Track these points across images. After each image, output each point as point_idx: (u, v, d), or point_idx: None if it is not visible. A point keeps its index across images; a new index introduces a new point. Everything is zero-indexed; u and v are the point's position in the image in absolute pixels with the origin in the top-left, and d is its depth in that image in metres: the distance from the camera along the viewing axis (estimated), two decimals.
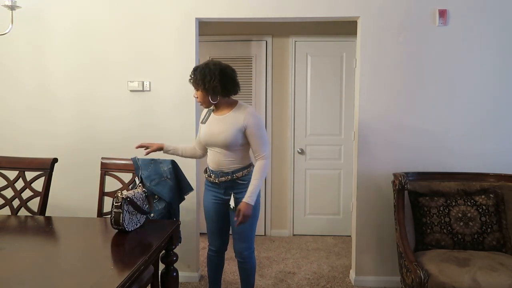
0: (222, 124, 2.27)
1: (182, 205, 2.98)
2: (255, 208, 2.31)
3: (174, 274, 2.14)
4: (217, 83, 2.20)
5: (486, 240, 2.55)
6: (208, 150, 2.39)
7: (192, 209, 3.04)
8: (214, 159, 2.32)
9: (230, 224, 2.42)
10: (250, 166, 2.36)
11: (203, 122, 2.38)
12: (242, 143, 2.28)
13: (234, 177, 2.30)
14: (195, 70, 2.26)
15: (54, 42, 3.02)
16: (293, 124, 4.11)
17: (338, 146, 4.15)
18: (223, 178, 2.30)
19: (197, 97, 2.29)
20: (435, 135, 2.93)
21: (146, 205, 2.13)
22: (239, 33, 4.05)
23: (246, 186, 2.31)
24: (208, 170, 2.39)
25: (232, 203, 2.31)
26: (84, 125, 3.06)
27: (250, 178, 2.30)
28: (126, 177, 2.51)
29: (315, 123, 4.12)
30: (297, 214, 4.23)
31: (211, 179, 2.35)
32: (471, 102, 2.91)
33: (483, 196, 2.63)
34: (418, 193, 2.70)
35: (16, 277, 1.54)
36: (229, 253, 3.02)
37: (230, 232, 2.46)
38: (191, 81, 2.27)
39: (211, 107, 2.36)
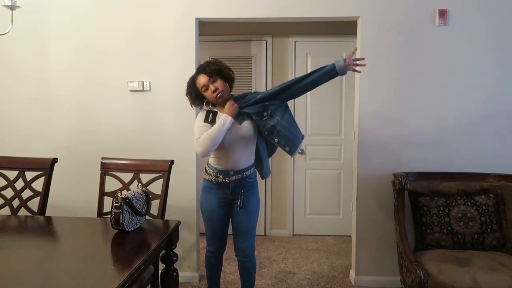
0: (238, 121, 2.29)
1: (182, 205, 3.00)
2: (257, 206, 2.42)
3: (174, 274, 2.14)
4: (231, 72, 2.34)
5: (486, 240, 2.55)
6: (216, 151, 2.30)
7: (192, 209, 3.04)
8: (229, 157, 2.29)
9: (233, 223, 2.41)
10: (254, 164, 2.41)
11: (211, 121, 2.28)
12: (256, 133, 2.36)
13: (244, 175, 2.32)
14: (208, 62, 2.30)
15: (54, 44, 3.02)
16: None
17: (338, 146, 4.15)
18: (234, 177, 2.30)
19: (217, 88, 2.24)
20: (435, 135, 2.93)
21: (144, 206, 2.13)
22: (239, 33, 4.05)
23: (252, 184, 2.37)
24: (212, 171, 2.33)
25: (240, 203, 2.31)
26: (84, 125, 3.06)
27: (255, 176, 2.40)
28: (126, 177, 2.51)
29: (315, 123, 4.12)
30: (297, 214, 4.23)
31: (219, 179, 2.31)
32: (471, 102, 2.91)
33: (483, 196, 2.63)
34: (418, 193, 2.70)
35: (16, 277, 1.54)
36: (229, 253, 3.03)
37: (229, 232, 2.46)
38: (206, 71, 2.25)
39: (208, 107, 2.36)
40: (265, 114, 2.30)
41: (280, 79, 4.09)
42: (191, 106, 2.40)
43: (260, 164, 2.46)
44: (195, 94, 2.33)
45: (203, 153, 2.21)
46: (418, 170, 2.87)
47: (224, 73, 2.30)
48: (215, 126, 2.21)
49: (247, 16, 2.95)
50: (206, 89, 2.27)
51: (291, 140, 2.33)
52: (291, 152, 2.34)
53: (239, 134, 2.27)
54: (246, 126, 2.30)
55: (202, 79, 2.26)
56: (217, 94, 2.25)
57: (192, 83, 2.33)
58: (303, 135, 2.42)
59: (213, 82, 2.25)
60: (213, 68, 2.26)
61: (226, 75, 2.31)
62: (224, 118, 2.22)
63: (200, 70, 2.29)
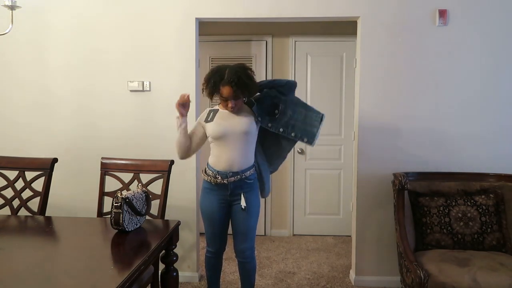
0: (238, 115, 2.31)
1: (182, 205, 3.00)
2: (257, 207, 2.42)
3: (174, 274, 2.14)
4: (256, 85, 2.31)
5: (486, 240, 2.55)
6: (215, 150, 2.33)
7: (192, 209, 3.04)
8: (226, 156, 2.29)
9: (233, 224, 2.41)
10: (254, 165, 2.40)
11: (211, 120, 2.32)
12: (255, 132, 2.34)
13: (243, 177, 2.31)
14: (244, 81, 2.19)
15: (54, 43, 3.02)
16: None
17: (338, 146, 4.15)
18: (232, 178, 2.30)
19: (234, 106, 2.25)
20: (435, 135, 2.93)
21: (144, 206, 2.13)
22: (239, 33, 4.05)
23: (252, 185, 2.37)
24: (211, 172, 2.33)
25: (243, 203, 2.32)
26: (85, 125, 3.06)
27: (255, 177, 2.39)
28: (126, 177, 2.51)
29: None
30: (297, 214, 4.23)
31: (218, 180, 2.31)
32: (471, 102, 2.91)
33: (483, 196, 2.63)
34: (418, 193, 2.70)
35: (16, 277, 1.54)
36: (229, 253, 3.02)
37: (229, 232, 2.46)
38: (236, 92, 2.20)
39: (215, 107, 2.39)
40: (276, 111, 2.32)
41: None
42: (202, 91, 2.35)
43: (260, 181, 2.45)
44: (212, 88, 2.25)
45: (178, 157, 2.34)
46: (418, 170, 2.87)
47: (251, 93, 2.29)
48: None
49: (247, 16, 2.94)
50: (225, 100, 2.26)
51: (308, 130, 2.35)
52: (310, 142, 2.37)
53: (238, 129, 2.28)
54: (245, 121, 2.30)
55: (227, 92, 2.21)
56: (230, 108, 2.27)
57: (218, 79, 2.22)
58: (322, 115, 2.38)
59: (235, 99, 2.24)
60: (244, 91, 2.23)
61: (251, 95, 2.31)
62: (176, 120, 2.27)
63: (232, 84, 2.18)
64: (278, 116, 2.33)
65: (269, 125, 2.34)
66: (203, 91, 2.34)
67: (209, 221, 2.40)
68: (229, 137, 2.28)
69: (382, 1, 2.88)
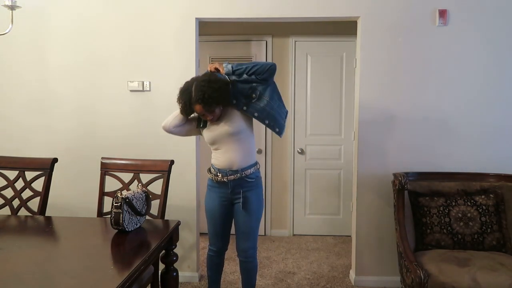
0: (223, 119, 2.30)
1: (182, 205, 3.00)
2: (259, 206, 2.39)
3: (174, 274, 2.15)
4: (229, 95, 2.26)
5: (486, 240, 2.55)
6: (214, 152, 2.36)
7: (192, 209, 3.04)
8: (224, 157, 2.31)
9: (235, 223, 2.41)
10: (257, 164, 2.40)
11: (204, 126, 2.34)
12: (247, 127, 2.33)
13: (243, 175, 2.31)
14: (209, 96, 2.15)
15: (54, 44, 3.02)
16: (293, 124, 4.11)
17: (338, 146, 4.15)
18: (232, 176, 2.30)
19: (212, 118, 2.26)
20: (435, 135, 2.93)
21: (144, 206, 2.13)
22: (239, 33, 4.05)
23: (253, 184, 2.36)
24: (214, 170, 2.36)
25: (241, 204, 2.32)
26: (85, 125, 3.06)
27: (257, 176, 2.38)
28: (126, 177, 2.51)
29: (315, 123, 4.12)
30: (297, 214, 4.23)
31: (218, 178, 2.32)
32: (471, 103, 2.91)
33: (483, 196, 2.63)
34: (418, 193, 2.70)
35: (16, 277, 1.54)
36: (229, 253, 3.02)
37: (231, 232, 2.46)
38: (205, 109, 2.19)
39: None
40: (253, 96, 2.29)
41: (280, 79, 4.08)
42: (180, 111, 2.32)
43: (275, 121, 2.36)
44: (185, 108, 2.27)
45: (162, 124, 2.37)
46: (418, 170, 2.87)
47: (223, 103, 2.25)
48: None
49: (247, 16, 2.94)
50: (202, 115, 2.28)
51: (278, 120, 2.34)
52: (280, 133, 2.36)
53: (223, 131, 2.28)
54: (231, 124, 2.29)
55: (199, 110, 2.22)
56: (210, 121, 2.29)
57: (187, 98, 2.23)
58: (287, 111, 2.40)
59: (210, 113, 2.24)
60: (214, 105, 2.19)
61: (224, 104, 2.26)
62: None
63: (199, 101, 2.18)
64: (254, 101, 2.29)
65: (244, 108, 2.30)
66: (180, 111, 2.32)
67: (211, 218, 2.41)
68: (221, 141, 2.30)
69: (382, 1, 2.88)
